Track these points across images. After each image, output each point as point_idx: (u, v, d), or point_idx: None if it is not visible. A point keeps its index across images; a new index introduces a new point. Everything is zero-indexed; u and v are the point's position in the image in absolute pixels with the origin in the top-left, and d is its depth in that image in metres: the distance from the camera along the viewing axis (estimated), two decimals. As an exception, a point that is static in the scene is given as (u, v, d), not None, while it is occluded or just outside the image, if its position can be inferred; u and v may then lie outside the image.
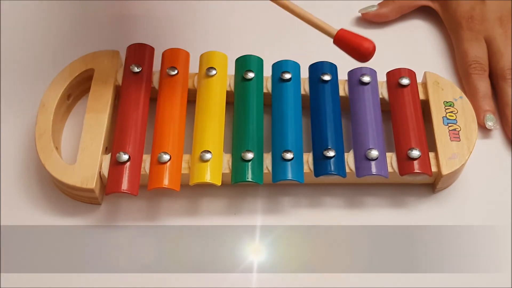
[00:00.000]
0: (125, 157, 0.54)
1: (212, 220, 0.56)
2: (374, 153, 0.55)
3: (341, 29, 0.50)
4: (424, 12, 0.70)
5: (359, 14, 0.69)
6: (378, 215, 0.57)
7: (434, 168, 0.55)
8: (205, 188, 0.57)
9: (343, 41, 0.50)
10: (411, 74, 0.60)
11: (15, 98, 0.63)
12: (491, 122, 0.60)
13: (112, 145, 0.56)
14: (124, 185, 0.53)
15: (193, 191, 0.57)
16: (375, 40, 0.68)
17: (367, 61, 0.50)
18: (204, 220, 0.56)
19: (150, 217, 0.56)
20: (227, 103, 0.59)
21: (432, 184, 0.58)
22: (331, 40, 0.65)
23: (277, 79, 0.59)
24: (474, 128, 0.57)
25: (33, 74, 0.64)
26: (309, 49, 0.67)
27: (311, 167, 0.55)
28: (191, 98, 0.59)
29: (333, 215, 0.57)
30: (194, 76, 0.61)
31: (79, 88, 0.61)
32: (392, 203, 0.57)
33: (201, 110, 0.58)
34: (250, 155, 0.54)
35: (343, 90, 0.60)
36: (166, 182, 0.53)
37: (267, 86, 0.60)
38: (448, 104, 0.59)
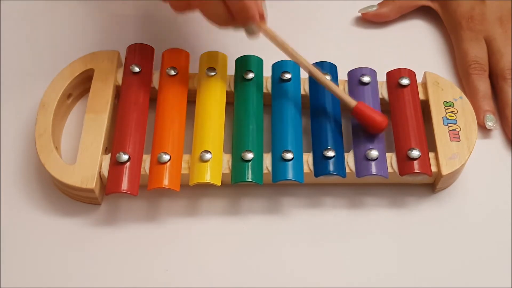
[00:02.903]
0: (125, 157, 0.54)
1: (212, 220, 0.56)
2: (374, 153, 0.55)
3: (359, 103, 0.55)
4: (424, 12, 0.70)
5: (359, 14, 0.69)
6: (378, 215, 0.57)
7: (434, 168, 0.55)
8: (205, 188, 0.57)
9: (359, 113, 0.56)
10: (411, 74, 0.60)
11: (15, 98, 0.63)
12: (491, 122, 0.60)
13: (112, 145, 0.56)
14: (124, 185, 0.53)
15: (193, 191, 0.57)
16: (375, 40, 0.69)
17: (380, 132, 0.56)
18: (204, 220, 0.56)
19: (150, 217, 0.56)
20: (227, 103, 0.59)
21: (432, 184, 0.58)
22: (332, 40, 0.65)
23: (277, 79, 0.59)
24: (474, 128, 0.57)
25: (33, 74, 0.64)
26: (309, 49, 0.67)
27: (311, 167, 0.55)
28: (191, 98, 0.59)
29: (333, 215, 0.57)
30: (194, 76, 0.61)
31: (79, 88, 0.61)
32: (392, 203, 0.57)
33: (201, 110, 0.58)
34: (250, 155, 0.54)
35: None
36: (166, 182, 0.53)
37: (267, 86, 0.60)
38: (448, 104, 0.59)
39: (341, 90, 0.57)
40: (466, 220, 0.57)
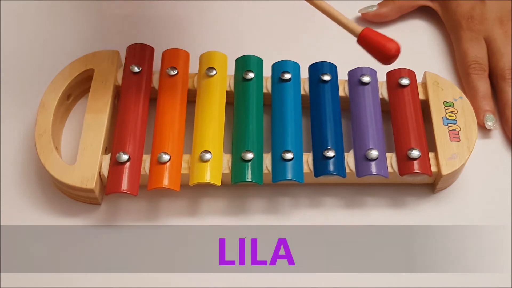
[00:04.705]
0: (125, 157, 0.54)
1: (212, 220, 0.56)
2: (374, 153, 0.55)
3: (366, 28, 0.49)
4: (424, 12, 0.70)
5: (359, 14, 0.69)
6: (378, 215, 0.57)
7: (434, 168, 0.55)
8: (205, 188, 0.57)
9: (367, 40, 0.48)
10: (411, 74, 0.60)
11: (15, 98, 0.63)
12: (490, 122, 0.60)
13: (112, 145, 0.56)
14: (124, 185, 0.53)
15: (193, 191, 0.57)
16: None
17: (391, 63, 0.49)
18: (204, 220, 0.56)
19: (150, 217, 0.56)
20: (227, 103, 0.59)
21: (432, 184, 0.58)
22: (332, 40, 0.65)
23: (277, 79, 0.59)
24: (474, 128, 0.57)
25: (33, 74, 0.64)
26: (309, 49, 0.67)
27: (311, 167, 0.55)
28: (191, 98, 0.59)
29: (333, 215, 0.57)
30: (194, 76, 0.61)
31: (79, 88, 0.61)
32: (392, 203, 0.57)
33: (201, 110, 0.58)
34: (250, 155, 0.54)
35: (343, 90, 0.60)
36: (166, 182, 0.53)
37: (267, 86, 0.60)
38: (448, 104, 0.59)
39: (346, 18, 0.50)
40: (466, 220, 0.57)
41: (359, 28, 0.49)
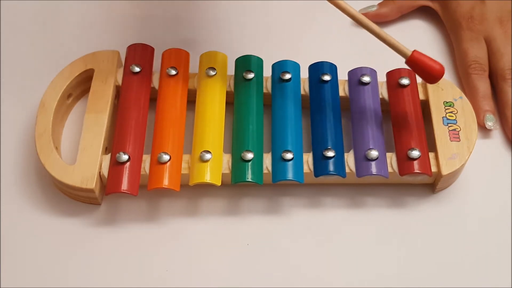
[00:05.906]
0: (125, 157, 0.54)
1: (212, 220, 0.56)
2: (374, 153, 0.55)
3: (415, 51, 0.52)
4: (424, 12, 0.70)
5: (359, 14, 0.69)
6: (378, 215, 0.57)
7: (434, 168, 0.55)
8: (205, 188, 0.57)
9: (417, 63, 0.53)
10: (411, 74, 0.60)
11: (15, 98, 0.63)
12: (491, 122, 0.60)
13: (112, 145, 0.56)
14: (124, 185, 0.53)
15: (193, 191, 0.57)
16: (375, 40, 0.69)
17: (436, 82, 0.54)
18: (204, 220, 0.56)
19: (150, 217, 0.56)
20: (227, 103, 0.59)
21: (432, 184, 0.58)
22: (332, 40, 0.65)
23: (277, 79, 0.59)
24: (474, 128, 0.57)
25: (33, 74, 0.64)
26: (309, 49, 0.67)
27: (311, 167, 0.55)
28: (191, 98, 0.59)
29: (333, 215, 0.57)
30: (194, 76, 0.61)
31: (79, 88, 0.61)
32: (392, 203, 0.57)
33: (201, 110, 0.58)
34: (250, 155, 0.54)
35: (343, 90, 0.60)
36: (166, 182, 0.53)
37: (267, 86, 0.60)
38: (448, 104, 0.59)
39: (395, 40, 0.54)
40: (466, 220, 0.57)
41: (408, 51, 0.53)
